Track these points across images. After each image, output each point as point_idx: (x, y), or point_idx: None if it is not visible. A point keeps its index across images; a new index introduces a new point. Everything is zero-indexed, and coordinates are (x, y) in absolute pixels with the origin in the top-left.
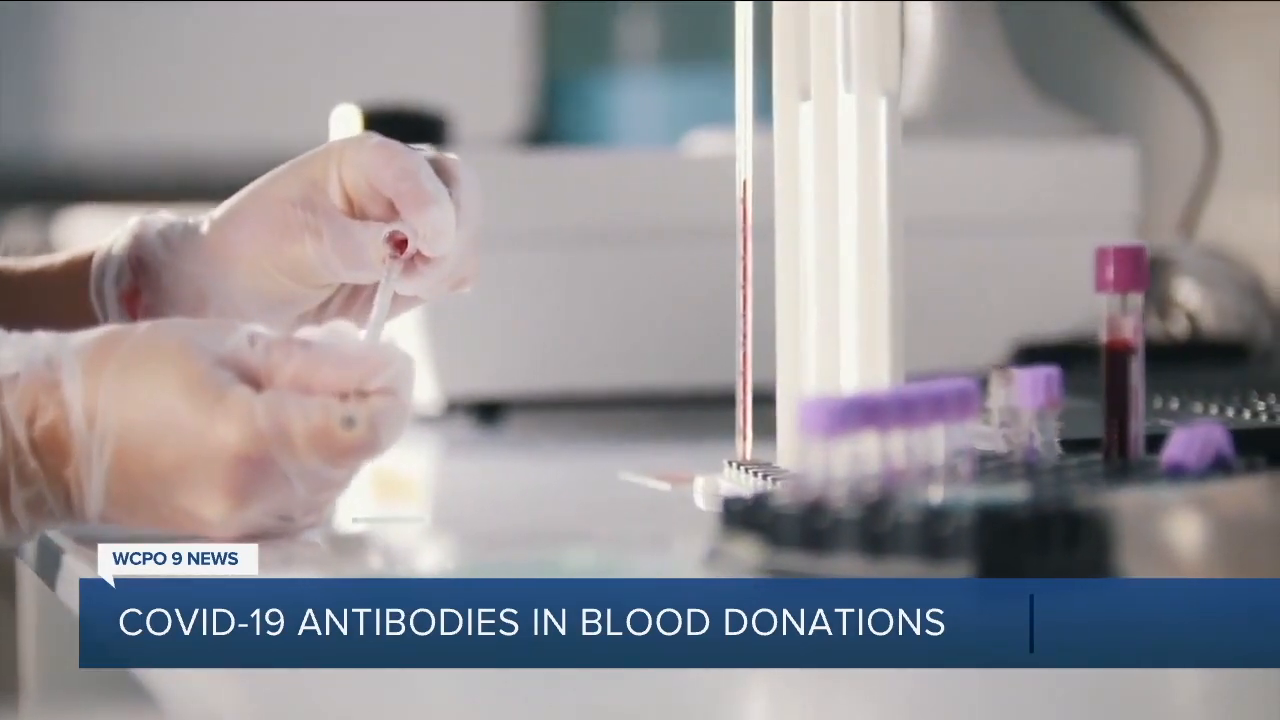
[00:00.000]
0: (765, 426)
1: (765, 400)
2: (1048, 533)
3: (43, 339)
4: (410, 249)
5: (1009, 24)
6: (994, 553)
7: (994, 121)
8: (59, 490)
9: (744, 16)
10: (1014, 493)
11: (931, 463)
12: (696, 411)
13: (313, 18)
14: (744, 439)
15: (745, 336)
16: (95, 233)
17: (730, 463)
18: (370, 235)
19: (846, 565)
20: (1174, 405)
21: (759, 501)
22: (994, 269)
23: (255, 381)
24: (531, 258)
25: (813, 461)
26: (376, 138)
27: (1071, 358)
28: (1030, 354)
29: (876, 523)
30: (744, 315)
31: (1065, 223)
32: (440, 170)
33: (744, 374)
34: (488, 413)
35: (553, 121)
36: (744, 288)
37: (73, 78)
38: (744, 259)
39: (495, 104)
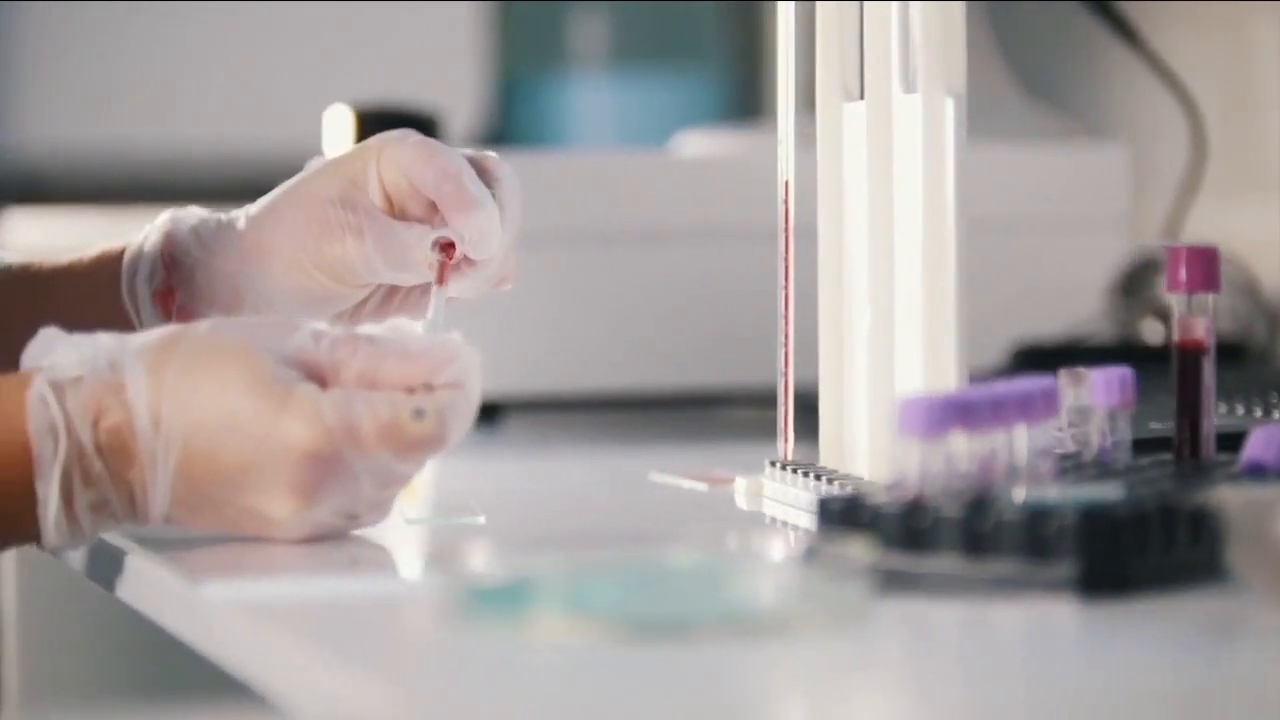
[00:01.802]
0: (766, 429)
1: (766, 401)
2: (1154, 531)
3: (104, 340)
4: (457, 254)
5: (998, 24)
6: (1099, 552)
7: (984, 122)
8: (123, 492)
9: (787, 16)
10: (1111, 491)
11: (1016, 462)
12: (693, 412)
13: (262, 18)
14: (786, 440)
15: (787, 338)
16: (38, 234)
17: (773, 463)
18: (415, 238)
19: (948, 564)
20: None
21: (857, 501)
22: (985, 270)
23: (320, 379)
24: (526, 259)
25: (911, 461)
26: (415, 135)
27: (1070, 358)
28: (1028, 355)
29: (978, 522)
30: (786, 316)
31: (1056, 224)
32: (480, 170)
33: (786, 375)
34: (486, 414)
35: (506, 123)
36: (786, 288)
37: (17, 77)
38: (786, 259)
39: (451, 105)
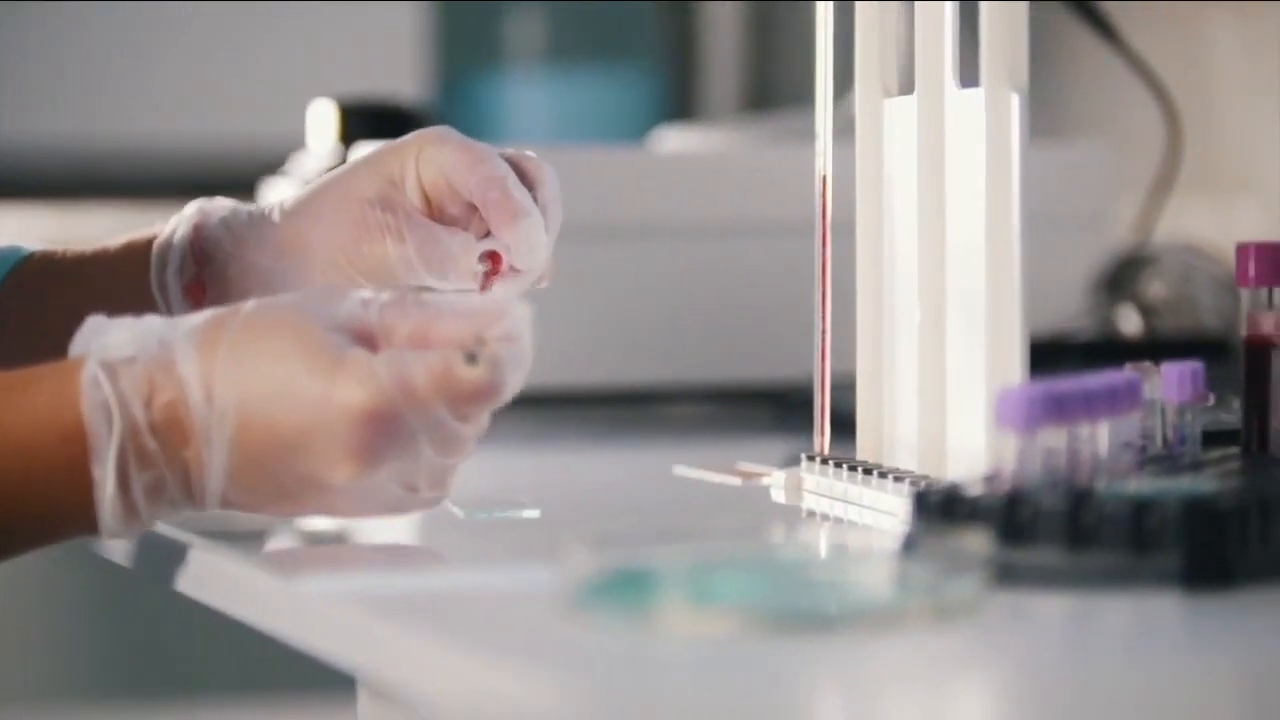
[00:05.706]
0: (720, 424)
1: (721, 397)
2: (1254, 524)
3: (154, 322)
4: (504, 265)
5: (976, 22)
6: (1203, 544)
7: None
8: (178, 472)
9: (825, 15)
10: (1206, 484)
11: (1099, 455)
12: (645, 409)
13: (200, 16)
14: (822, 434)
15: (824, 332)
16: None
17: (809, 456)
18: (461, 246)
19: (1051, 556)
20: None
21: (955, 494)
22: None
23: (371, 344)
24: None
25: (1009, 453)
26: (455, 136)
27: (1057, 356)
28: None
29: (1081, 514)
30: (823, 310)
31: (1036, 222)
32: (520, 172)
33: (822, 369)
34: None
35: (445, 120)
36: (823, 282)
37: None
38: (824, 254)
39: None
